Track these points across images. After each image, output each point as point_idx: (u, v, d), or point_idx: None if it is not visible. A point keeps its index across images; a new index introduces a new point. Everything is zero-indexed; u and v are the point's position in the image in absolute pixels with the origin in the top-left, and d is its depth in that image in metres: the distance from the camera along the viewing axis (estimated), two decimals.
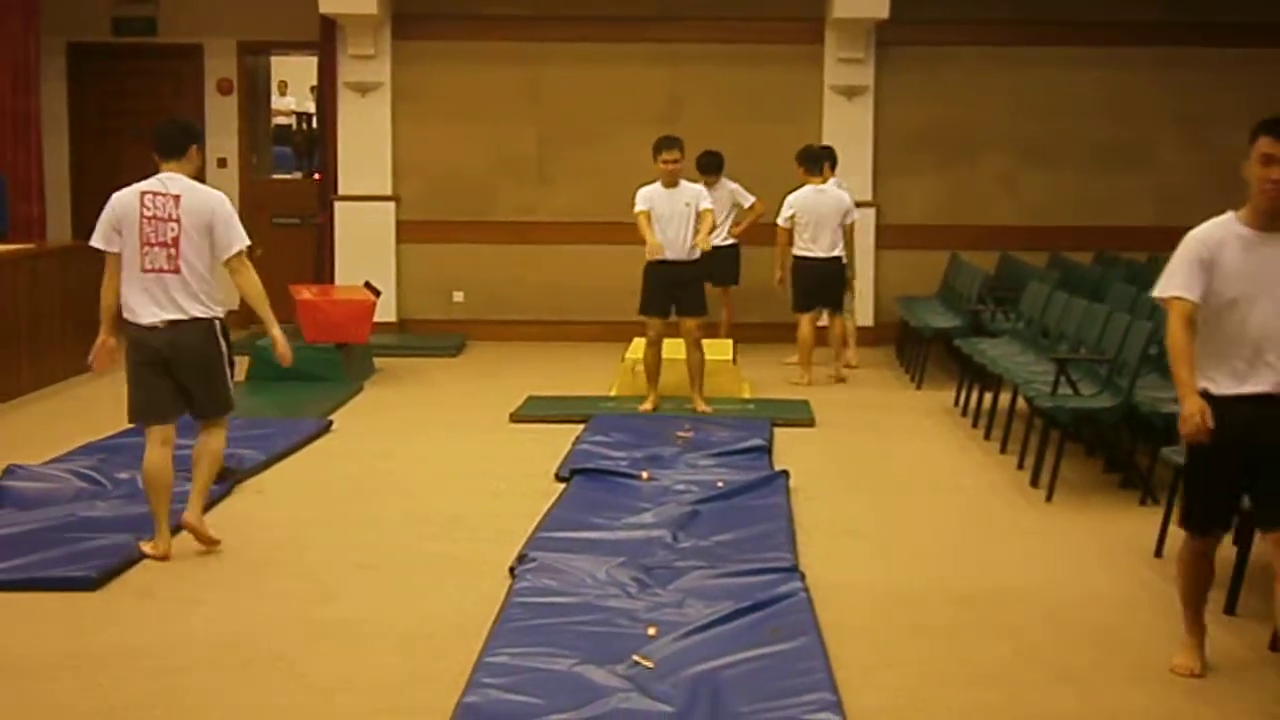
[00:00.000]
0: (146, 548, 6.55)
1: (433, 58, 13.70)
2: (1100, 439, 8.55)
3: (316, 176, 14.71)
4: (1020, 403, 9.09)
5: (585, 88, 13.68)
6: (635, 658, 5.21)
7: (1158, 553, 6.73)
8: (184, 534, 6.69)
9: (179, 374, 6.56)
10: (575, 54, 13.69)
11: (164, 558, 6.51)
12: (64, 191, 14.15)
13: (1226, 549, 6.29)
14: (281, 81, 17.69)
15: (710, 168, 12.05)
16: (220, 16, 14.13)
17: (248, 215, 14.13)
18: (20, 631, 5.64)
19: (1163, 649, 5.56)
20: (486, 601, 5.87)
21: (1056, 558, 6.83)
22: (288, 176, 16.00)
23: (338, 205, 13.69)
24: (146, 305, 6.51)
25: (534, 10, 13.61)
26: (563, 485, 7.94)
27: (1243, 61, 13.55)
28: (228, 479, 7.82)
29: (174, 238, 6.48)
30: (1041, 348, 9.56)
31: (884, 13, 12.84)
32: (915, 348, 11.93)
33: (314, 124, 16.57)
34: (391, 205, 13.67)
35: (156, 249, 6.49)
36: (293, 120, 18.25)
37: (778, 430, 9.36)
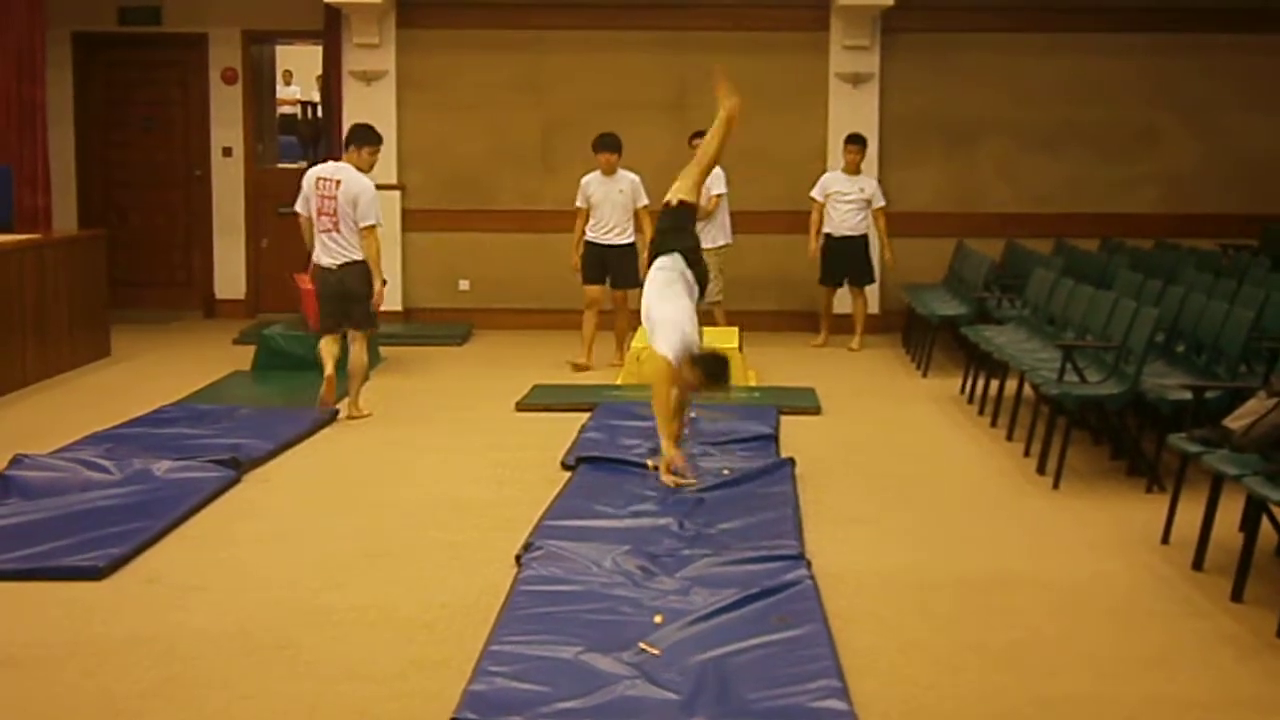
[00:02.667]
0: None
1: (438, 46, 13.70)
2: (1106, 426, 8.55)
3: None
4: (1027, 390, 9.09)
5: (590, 76, 13.67)
6: (641, 645, 5.21)
7: (1164, 539, 6.72)
8: (189, 533, 6.68)
9: (344, 296, 9.34)
10: (580, 41, 13.68)
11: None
12: (70, 181, 14.16)
13: (1233, 536, 6.30)
14: (286, 71, 17.69)
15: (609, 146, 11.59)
16: (225, 6, 14.14)
17: (253, 204, 14.36)
18: (27, 621, 5.64)
19: (1169, 634, 5.56)
20: (492, 589, 5.87)
21: (1063, 545, 6.83)
22: (293, 166, 15.99)
23: None
24: (325, 252, 9.36)
25: None
26: (569, 473, 7.94)
27: (1245, 47, 13.53)
28: (233, 468, 7.84)
29: (334, 209, 9.24)
30: (1048, 335, 9.56)
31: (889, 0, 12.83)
32: (921, 335, 11.93)
33: (319, 113, 16.57)
34: (397, 194, 13.66)
35: (325, 217, 9.29)
36: (298, 109, 18.25)
37: (784, 418, 9.36)
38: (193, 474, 7.66)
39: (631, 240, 11.51)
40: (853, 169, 12.73)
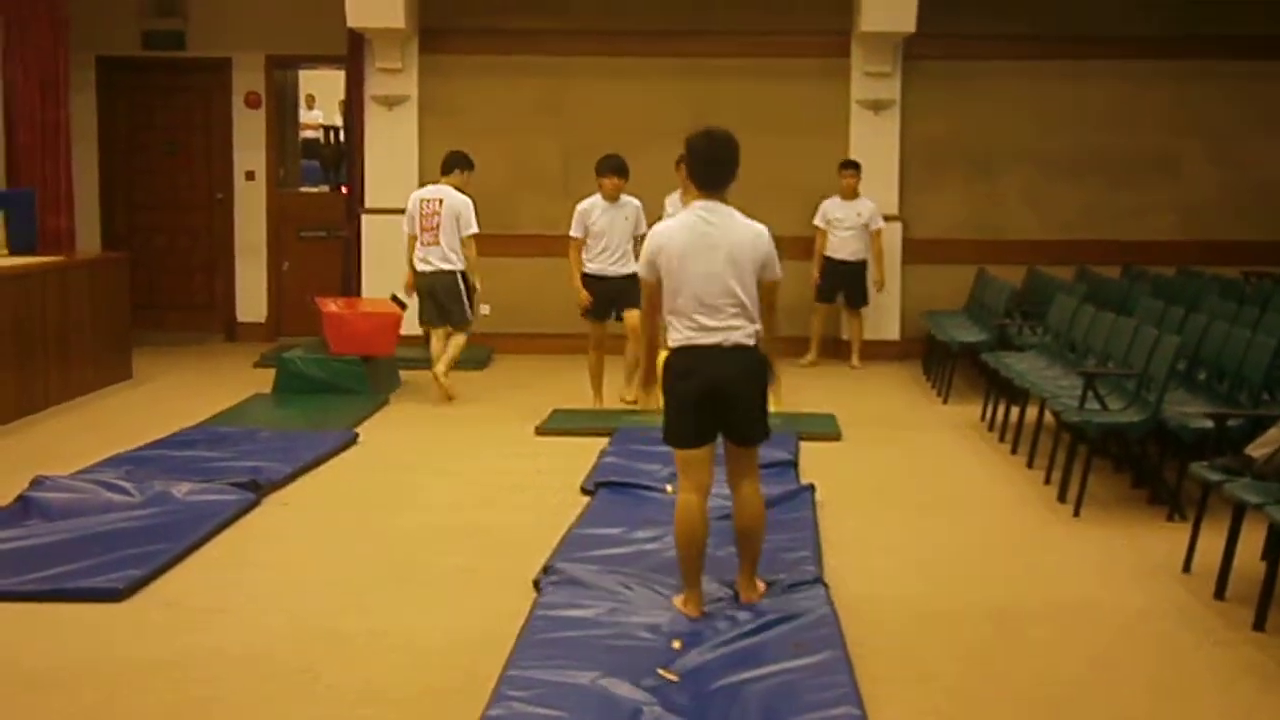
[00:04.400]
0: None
1: (459, 71, 13.74)
2: (1128, 454, 8.51)
3: (343, 189, 14.76)
4: (1048, 417, 9.06)
5: (610, 101, 13.70)
6: (660, 671, 5.20)
7: (1186, 568, 6.68)
8: (208, 556, 6.69)
9: (437, 299, 10.95)
10: (600, 68, 13.71)
11: None
12: (93, 204, 14.22)
13: (1255, 565, 6.26)
14: (309, 95, 17.74)
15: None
16: (249, 30, 14.20)
17: (275, 228, 14.40)
18: (46, 642, 5.65)
19: (1191, 664, 5.53)
20: (511, 615, 5.85)
21: (1084, 573, 6.80)
22: (315, 190, 16.05)
23: (365, 218, 13.73)
24: (425, 258, 10.88)
25: (559, 24, 13.66)
26: (588, 498, 7.93)
27: (1264, 74, 13.50)
28: (253, 491, 7.86)
29: (436, 224, 10.86)
30: (1069, 362, 9.53)
31: (910, 27, 12.83)
32: (942, 362, 11.90)
33: (341, 137, 16.62)
34: None
35: (427, 232, 10.89)
36: (320, 133, 18.30)
37: (804, 444, 9.33)
38: (212, 496, 7.67)
39: (634, 270, 10.66)
40: (849, 194, 12.81)
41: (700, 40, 13.61)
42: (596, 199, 10.67)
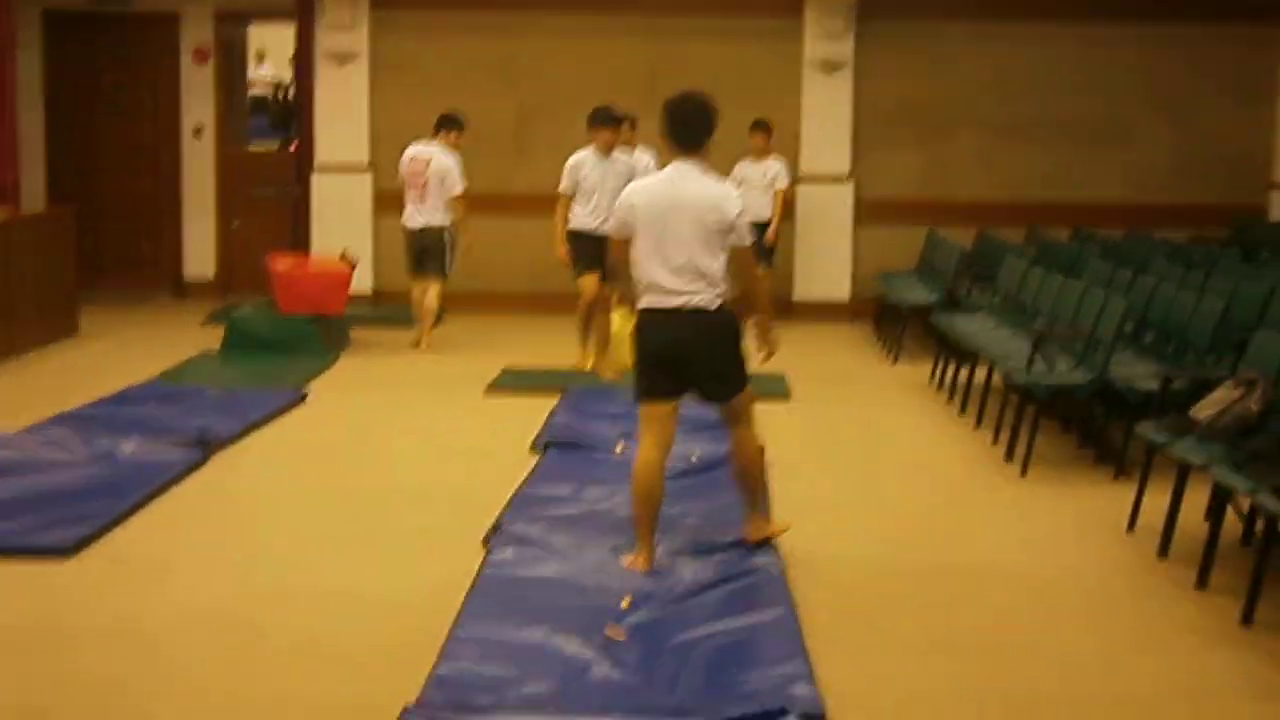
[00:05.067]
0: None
1: (411, 28, 13.64)
2: (1075, 414, 8.58)
3: (293, 147, 14.64)
4: (996, 378, 9.11)
5: (563, 60, 13.63)
6: (608, 630, 5.21)
7: (1130, 527, 6.74)
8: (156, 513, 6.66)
9: (419, 253, 11.45)
10: (554, 26, 13.64)
11: None
12: (39, 160, 14.05)
13: (1198, 525, 6.32)
14: (259, 50, 17.57)
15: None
16: None
17: (223, 185, 14.28)
18: None
19: (1134, 622, 5.59)
20: (460, 573, 5.86)
21: (1031, 532, 6.85)
22: (264, 147, 15.91)
23: (314, 176, 13.62)
24: (411, 216, 11.43)
25: None
26: (537, 457, 7.93)
27: (1218, 38, 13.55)
28: (201, 449, 7.81)
29: (423, 183, 11.30)
30: (1018, 324, 9.58)
31: None
32: (893, 323, 11.94)
33: (291, 94, 16.47)
34: (369, 176, 13.62)
35: (414, 190, 11.35)
36: (270, 90, 18.13)
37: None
38: (160, 455, 7.63)
39: None
40: (759, 154, 12.70)
41: (653, 0, 13.55)
42: (588, 152, 10.18)
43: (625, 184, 9.77)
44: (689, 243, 5.89)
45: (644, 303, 6.02)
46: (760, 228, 12.76)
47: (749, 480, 6.26)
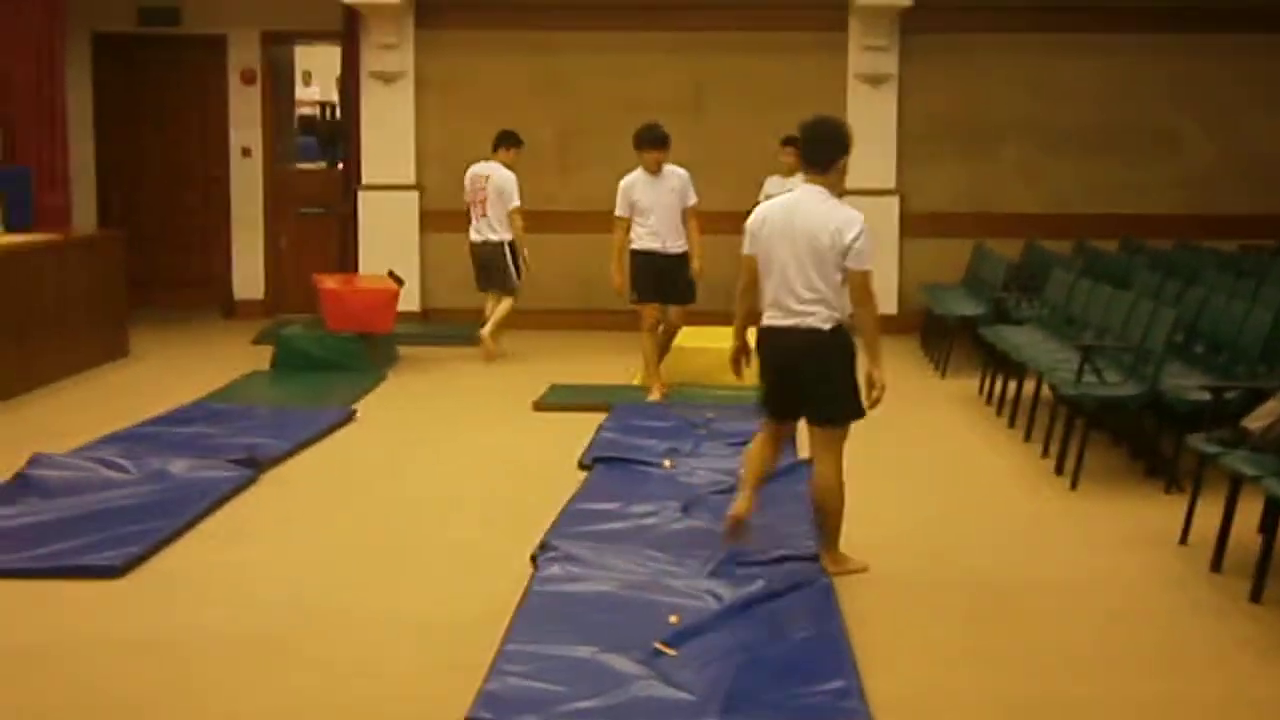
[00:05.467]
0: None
1: (455, 46, 13.71)
2: (1125, 427, 8.51)
3: (340, 166, 14.73)
4: (1045, 391, 9.06)
5: (607, 76, 13.66)
6: (657, 645, 5.20)
7: (1183, 540, 6.69)
8: (206, 532, 6.67)
9: (486, 267, 11.87)
10: (597, 43, 13.68)
11: None
12: (89, 181, 14.18)
13: (1251, 537, 6.26)
14: (306, 71, 17.69)
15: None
16: (244, 6, 14.15)
17: (271, 205, 14.38)
18: (43, 619, 5.66)
19: (1187, 635, 5.54)
20: (508, 590, 5.86)
21: (1081, 546, 6.80)
22: (312, 166, 16.01)
23: (361, 194, 13.71)
24: (473, 232, 11.79)
25: None
26: (585, 473, 7.94)
27: (1265, 47, 13.46)
28: (251, 468, 7.86)
29: (483, 199, 11.72)
30: (1066, 335, 9.52)
31: (908, 0, 12.81)
32: (939, 336, 11.89)
33: (338, 113, 16.58)
34: (415, 194, 13.68)
35: (477, 205, 11.75)
36: (317, 110, 18.26)
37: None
38: (210, 473, 7.67)
39: (685, 249, 10.08)
40: (788, 171, 12.63)
41: (696, 15, 13.56)
42: (639, 173, 10.09)
43: (679, 200, 10.11)
44: (806, 264, 6.05)
45: (764, 320, 6.23)
46: None
47: (822, 512, 6.29)
